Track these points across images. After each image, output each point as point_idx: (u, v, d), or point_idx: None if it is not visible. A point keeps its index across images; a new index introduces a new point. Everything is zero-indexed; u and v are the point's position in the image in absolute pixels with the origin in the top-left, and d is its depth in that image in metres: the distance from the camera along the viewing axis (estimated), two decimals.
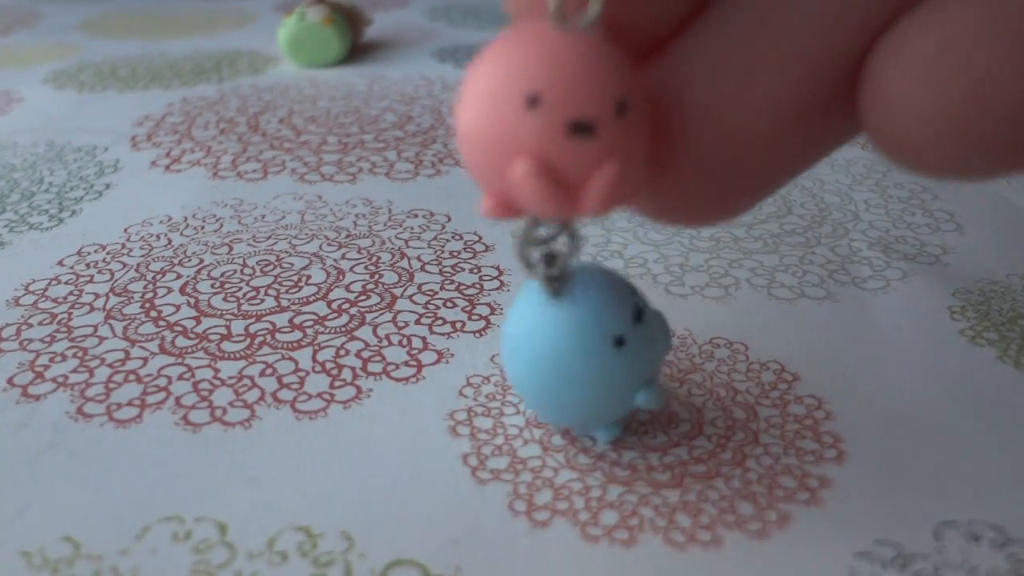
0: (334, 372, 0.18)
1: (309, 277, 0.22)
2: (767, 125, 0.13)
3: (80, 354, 0.19)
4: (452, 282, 0.22)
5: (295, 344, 0.19)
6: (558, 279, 0.14)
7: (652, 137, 0.13)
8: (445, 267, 0.22)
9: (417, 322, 0.20)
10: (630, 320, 0.15)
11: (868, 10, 0.12)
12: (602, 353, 0.14)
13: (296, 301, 0.21)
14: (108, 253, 0.23)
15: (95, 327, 0.20)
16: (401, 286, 0.21)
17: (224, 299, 0.21)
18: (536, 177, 0.11)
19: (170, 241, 0.24)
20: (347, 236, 0.24)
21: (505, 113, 0.11)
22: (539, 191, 0.11)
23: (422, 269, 0.22)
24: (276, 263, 0.22)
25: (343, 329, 0.20)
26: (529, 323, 0.15)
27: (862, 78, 0.12)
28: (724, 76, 0.13)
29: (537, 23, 0.12)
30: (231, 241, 0.24)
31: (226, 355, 0.19)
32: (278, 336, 0.19)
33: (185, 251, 0.23)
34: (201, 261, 0.23)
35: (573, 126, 0.11)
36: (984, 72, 0.11)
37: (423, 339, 0.19)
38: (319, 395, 0.17)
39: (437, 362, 0.18)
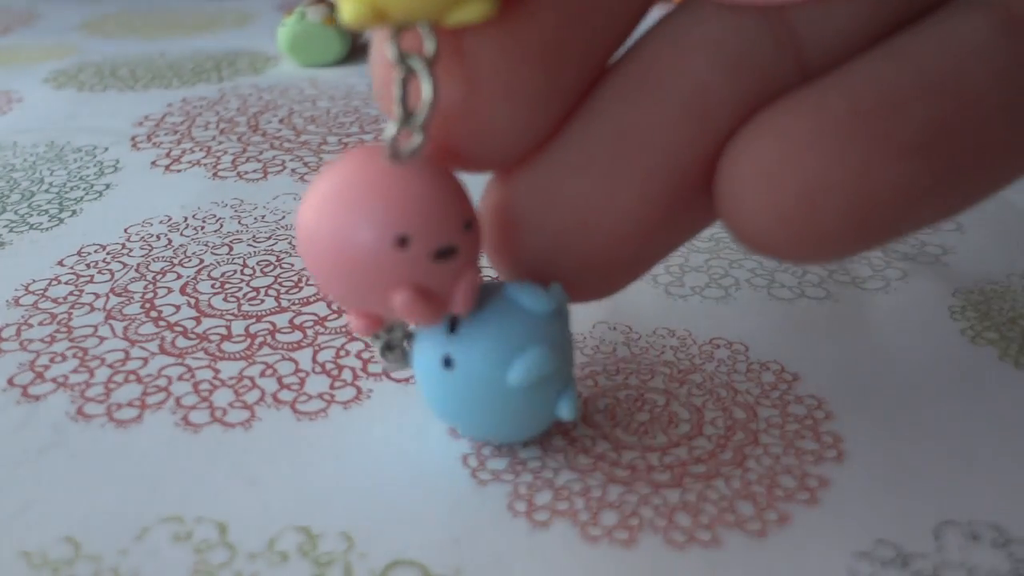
0: (334, 373, 0.18)
1: (309, 277, 0.22)
2: (634, 226, 0.14)
3: (80, 354, 0.19)
4: None
5: (295, 345, 0.19)
6: (400, 360, 0.15)
7: (533, 237, 0.14)
8: None
9: None
10: (445, 335, 0.14)
11: (717, 120, 0.13)
12: (436, 374, 0.14)
13: (296, 302, 0.21)
14: (108, 253, 0.23)
15: (95, 327, 0.20)
16: None
17: (224, 299, 0.21)
18: (416, 302, 0.13)
19: (170, 241, 0.24)
20: None
21: (376, 253, 0.12)
22: (419, 312, 0.13)
23: None
24: (276, 263, 0.22)
25: (343, 330, 0.20)
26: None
27: (714, 178, 0.13)
28: (594, 182, 0.14)
29: (370, 154, 0.13)
30: (231, 241, 0.24)
31: (226, 355, 0.19)
32: (278, 337, 0.19)
33: (185, 251, 0.23)
34: (201, 261, 0.23)
35: (438, 253, 0.13)
36: (812, 178, 0.12)
37: None
38: (319, 396, 0.17)
39: None
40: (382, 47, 0.13)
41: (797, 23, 0.13)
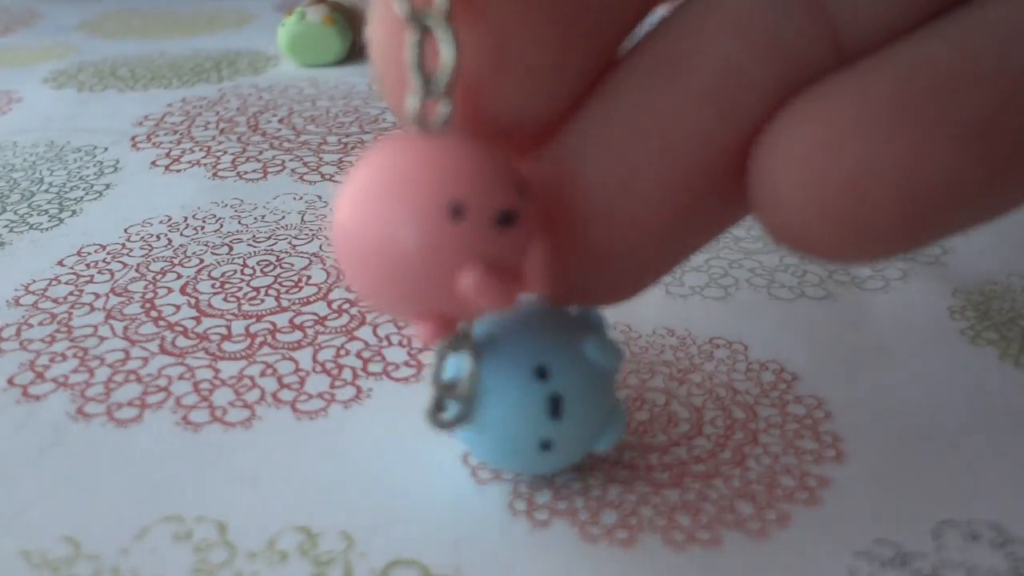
0: (334, 372, 0.18)
1: (309, 277, 0.22)
2: (658, 214, 0.13)
3: (80, 354, 0.19)
4: None
5: (295, 344, 0.19)
6: (467, 416, 0.14)
7: (547, 223, 0.13)
8: None
9: None
10: (546, 418, 0.13)
11: (747, 106, 0.12)
12: (530, 456, 0.14)
13: (296, 301, 0.21)
14: (108, 253, 0.23)
15: (95, 327, 0.20)
16: None
17: (224, 299, 0.21)
18: (490, 279, 0.11)
19: (170, 241, 0.24)
20: None
21: (430, 233, 0.11)
22: (495, 291, 0.11)
23: None
24: (276, 263, 0.22)
25: (343, 329, 0.20)
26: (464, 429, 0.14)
27: (748, 169, 0.12)
28: (612, 169, 0.13)
29: (399, 137, 0.12)
30: (231, 241, 0.24)
31: (226, 355, 0.19)
32: (278, 336, 0.19)
33: (185, 251, 0.23)
34: (201, 261, 0.23)
35: (499, 219, 0.11)
36: (857, 166, 0.11)
37: None
38: (319, 395, 0.17)
39: None
40: (389, 4, 0.12)
41: (832, 3, 0.12)
